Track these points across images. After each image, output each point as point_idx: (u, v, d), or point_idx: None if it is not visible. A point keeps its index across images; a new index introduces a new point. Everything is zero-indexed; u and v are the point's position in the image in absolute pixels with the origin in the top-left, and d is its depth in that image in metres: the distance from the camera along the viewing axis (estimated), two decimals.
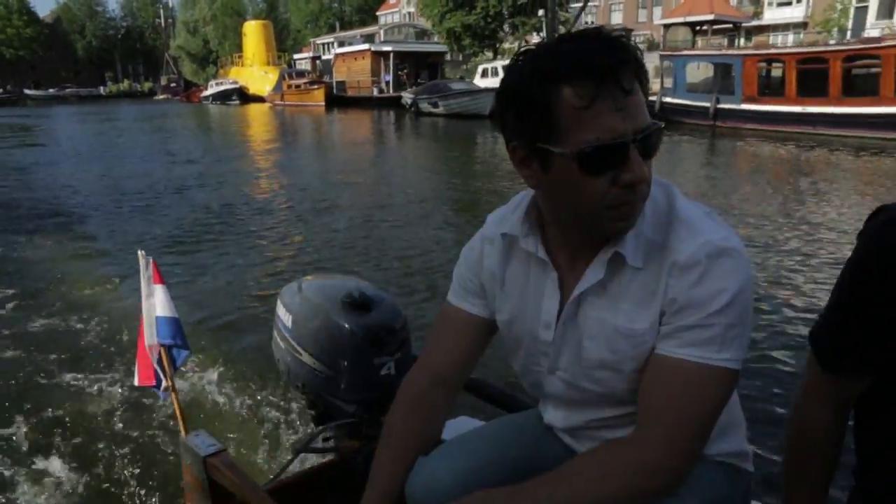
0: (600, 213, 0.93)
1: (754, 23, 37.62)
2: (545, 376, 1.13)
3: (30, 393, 3.59)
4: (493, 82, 27.99)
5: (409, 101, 30.88)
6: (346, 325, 1.62)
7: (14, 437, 3.16)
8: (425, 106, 28.69)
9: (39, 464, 2.92)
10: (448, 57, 44.71)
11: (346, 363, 1.62)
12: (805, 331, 3.78)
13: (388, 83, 37.42)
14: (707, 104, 19.35)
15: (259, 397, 3.41)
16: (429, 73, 38.08)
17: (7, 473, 2.86)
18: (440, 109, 27.63)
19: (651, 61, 21.02)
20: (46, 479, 2.82)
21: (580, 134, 0.88)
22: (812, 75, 17.04)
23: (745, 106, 18.56)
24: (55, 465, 2.91)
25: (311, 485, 1.66)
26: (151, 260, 1.85)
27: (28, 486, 2.77)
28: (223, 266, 6.17)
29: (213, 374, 3.69)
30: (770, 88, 18.62)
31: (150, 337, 1.83)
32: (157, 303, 1.84)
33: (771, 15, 38.53)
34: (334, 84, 40.01)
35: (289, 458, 1.68)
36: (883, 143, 14.65)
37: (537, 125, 0.91)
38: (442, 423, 1.22)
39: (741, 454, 1.16)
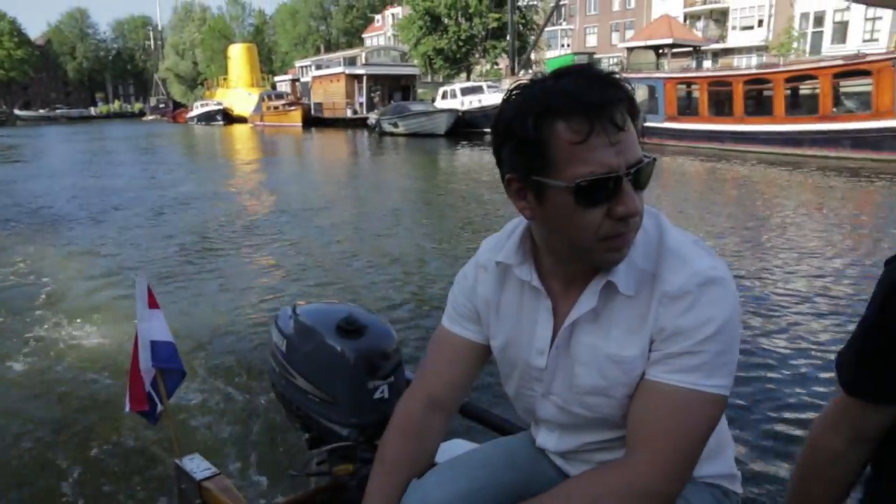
0: (594, 244, 0.95)
1: (720, 46, 39.31)
2: (538, 401, 1.14)
3: (17, 417, 3.62)
4: (451, 103, 29.66)
5: (373, 122, 32.43)
6: (340, 350, 1.63)
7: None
8: (387, 126, 30.29)
9: (27, 488, 2.93)
10: (429, 79, 46.40)
11: (340, 387, 1.64)
12: (794, 351, 4.32)
13: (361, 104, 38.74)
14: None
15: (253, 421, 3.43)
16: (402, 95, 39.38)
17: None
18: (400, 129, 29.18)
19: None
20: (37, 501, 2.85)
21: (575, 168, 0.90)
22: (721, 97, 18.86)
23: (666, 124, 20.22)
24: (45, 487, 2.91)
25: None
26: (147, 284, 1.83)
27: None
28: (215, 288, 6.18)
29: (207, 398, 3.70)
30: (689, 108, 20.31)
31: (145, 361, 1.81)
32: (152, 327, 1.82)
33: (735, 38, 40.42)
34: (312, 105, 41.39)
35: (283, 481, 1.75)
36: (778, 157, 16.27)
37: (532, 159, 0.93)
38: (436, 447, 1.23)
39: (730, 476, 1.17)
